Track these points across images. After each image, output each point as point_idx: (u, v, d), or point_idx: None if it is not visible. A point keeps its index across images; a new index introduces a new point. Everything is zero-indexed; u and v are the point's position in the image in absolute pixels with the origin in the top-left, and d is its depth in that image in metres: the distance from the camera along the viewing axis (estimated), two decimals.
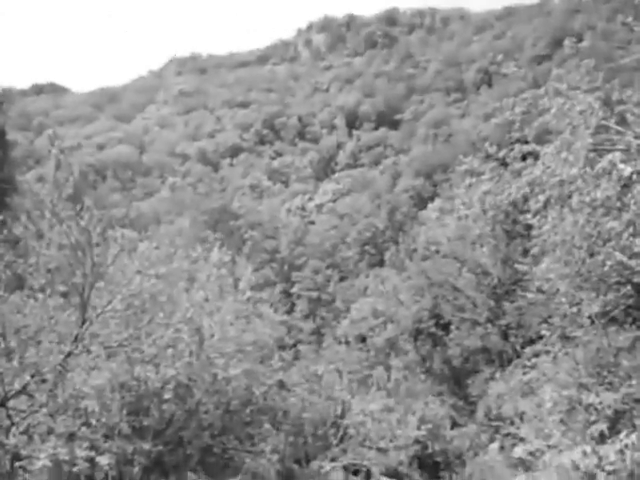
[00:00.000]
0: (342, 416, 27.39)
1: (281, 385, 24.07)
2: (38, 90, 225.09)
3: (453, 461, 27.95)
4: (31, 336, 19.02)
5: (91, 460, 17.70)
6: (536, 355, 23.58)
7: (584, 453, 16.65)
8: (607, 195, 18.10)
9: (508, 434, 22.53)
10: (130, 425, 18.89)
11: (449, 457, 28.27)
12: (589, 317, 20.33)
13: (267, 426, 22.23)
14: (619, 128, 18.58)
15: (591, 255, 19.37)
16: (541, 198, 19.94)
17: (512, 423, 21.95)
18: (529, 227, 24.49)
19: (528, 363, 23.71)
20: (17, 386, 18.39)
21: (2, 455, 17.49)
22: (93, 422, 18.77)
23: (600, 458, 16.31)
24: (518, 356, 29.71)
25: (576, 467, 16.57)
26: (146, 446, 18.36)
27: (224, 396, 20.59)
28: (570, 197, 19.01)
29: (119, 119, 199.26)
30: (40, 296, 19.52)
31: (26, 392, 18.70)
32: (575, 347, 20.54)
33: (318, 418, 25.70)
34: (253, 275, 25.94)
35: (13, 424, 18.18)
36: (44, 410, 18.42)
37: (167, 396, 19.10)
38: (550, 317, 22.95)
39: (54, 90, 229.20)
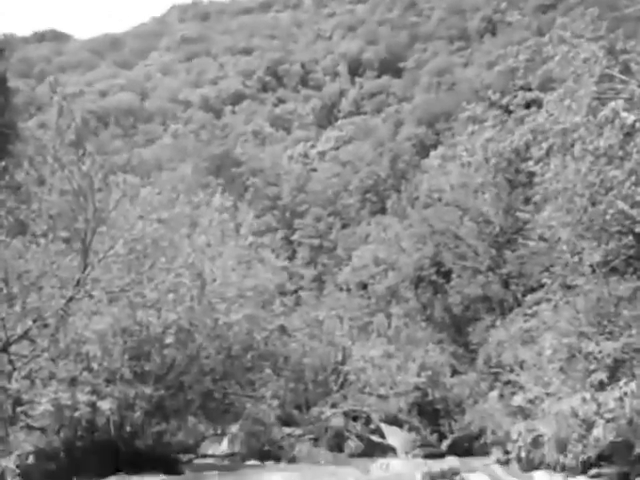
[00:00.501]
0: (343, 362, 27.52)
1: (282, 330, 24.15)
2: (39, 37, 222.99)
3: (453, 409, 28.11)
4: (33, 281, 19.06)
5: (93, 404, 17.83)
6: (537, 303, 23.61)
7: (583, 400, 16.74)
8: (610, 144, 18.03)
9: (508, 382, 22.62)
10: (132, 370, 18.97)
11: (449, 405, 28.43)
12: (590, 266, 20.31)
13: (268, 371, 22.33)
14: (623, 77, 18.47)
15: (593, 204, 19.32)
16: (544, 146, 19.88)
17: (512, 371, 22.02)
18: (531, 175, 24.38)
19: (529, 311, 23.75)
20: (19, 331, 18.47)
21: (4, 400, 17.57)
22: (95, 367, 18.87)
23: (599, 405, 16.40)
24: (519, 304, 29.74)
25: (575, 414, 16.67)
26: (147, 391, 18.44)
27: (225, 341, 20.65)
28: (573, 145, 18.93)
29: (121, 66, 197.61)
30: (42, 241, 19.55)
31: (28, 337, 18.77)
32: (576, 296, 20.54)
33: (319, 364, 25.82)
34: (255, 221, 25.97)
35: (15, 369, 18.27)
36: (46, 355, 18.51)
37: (168, 341, 19.16)
38: (551, 266, 22.95)
39: (55, 37, 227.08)
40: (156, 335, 19.17)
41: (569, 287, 21.20)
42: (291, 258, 38.99)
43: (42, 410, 17.57)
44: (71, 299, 19.08)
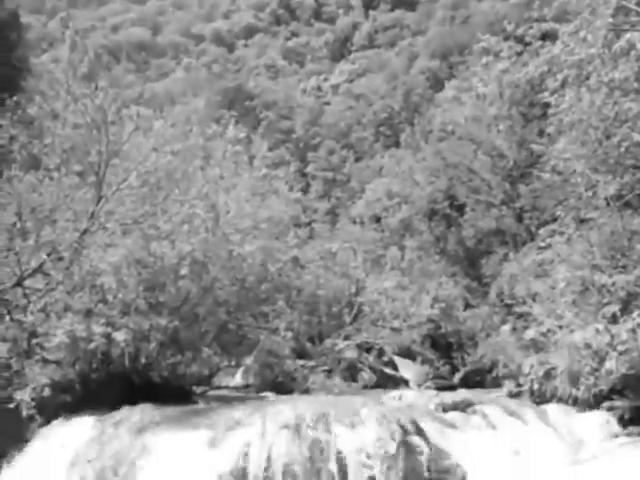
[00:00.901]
0: (356, 294, 27.58)
1: (296, 261, 24.17)
2: None
3: (465, 342, 28.22)
4: (47, 215, 19.14)
5: (108, 336, 17.93)
6: (550, 236, 23.54)
7: (597, 331, 16.75)
8: (625, 76, 17.88)
9: (520, 316, 22.64)
10: (146, 301, 19.05)
11: (461, 338, 28.55)
12: (605, 199, 20.24)
13: (281, 303, 22.39)
14: (639, 9, 18.22)
15: (607, 137, 19.19)
16: (559, 77, 19.73)
17: (524, 303, 22.04)
18: (546, 107, 24.21)
19: (542, 244, 23.67)
20: (33, 265, 18.58)
21: (19, 334, 17.73)
22: (109, 299, 18.96)
23: (612, 337, 16.42)
24: (532, 239, 29.68)
25: (588, 346, 16.69)
26: (162, 322, 18.53)
27: (239, 272, 20.69)
28: (588, 77, 18.77)
29: (133, 0, 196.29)
30: (55, 175, 19.58)
31: (42, 271, 18.89)
32: (589, 230, 20.48)
33: (332, 296, 25.86)
34: (268, 154, 25.90)
35: (30, 303, 18.38)
36: (60, 288, 18.60)
37: (183, 272, 19.20)
38: (565, 200, 22.85)
39: None
40: (170, 266, 19.22)
41: (583, 221, 21.13)
42: (305, 191, 38.87)
43: (57, 342, 17.71)
44: (85, 232, 19.16)
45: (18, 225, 19.21)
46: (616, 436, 15.69)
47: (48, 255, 18.92)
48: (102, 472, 14.74)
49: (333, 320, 25.91)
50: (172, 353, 19.15)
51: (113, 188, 19.58)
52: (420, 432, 14.14)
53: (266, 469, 13.15)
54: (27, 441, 16.71)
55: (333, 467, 13.14)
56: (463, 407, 16.31)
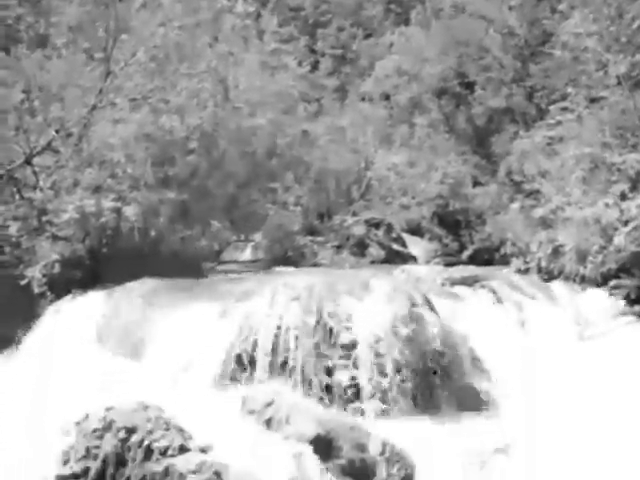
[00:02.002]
0: (366, 169, 27.52)
1: (305, 136, 24.05)
2: None
3: (474, 220, 28.20)
4: (55, 92, 18.97)
5: (117, 211, 18.00)
6: (560, 113, 23.28)
7: (606, 205, 16.73)
8: None
9: (529, 194, 22.60)
10: (155, 176, 19.07)
11: (470, 216, 28.51)
12: (616, 77, 20.03)
13: (291, 178, 22.37)
14: None
15: (620, 14, 18.92)
16: None
17: (533, 181, 21.99)
18: None
19: (552, 121, 23.46)
20: (42, 142, 18.48)
21: (29, 211, 17.75)
22: (119, 174, 18.95)
23: (622, 212, 16.41)
24: (542, 118, 29.39)
25: (597, 221, 16.70)
26: (171, 196, 18.59)
27: (248, 146, 20.64)
28: None
29: None
30: (63, 52, 19.39)
31: (51, 148, 18.81)
32: (600, 109, 20.31)
33: (342, 171, 25.80)
34: (278, 29, 25.59)
35: (39, 180, 18.37)
36: (70, 164, 18.56)
37: (192, 146, 19.19)
38: (576, 79, 22.63)
39: None
40: (179, 140, 19.19)
41: (593, 100, 20.95)
42: (314, 68, 38.30)
43: (67, 218, 17.78)
44: (94, 108, 19.05)
45: (26, 104, 19.09)
46: (622, 314, 15.81)
47: (57, 132, 18.83)
48: (113, 345, 14.94)
49: (342, 196, 25.92)
50: (182, 227, 19.24)
51: (121, 64, 19.36)
52: (428, 304, 14.27)
53: (276, 337, 13.32)
54: (38, 317, 16.91)
55: (344, 338, 13.31)
56: (471, 282, 16.43)
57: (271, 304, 13.78)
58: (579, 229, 17.19)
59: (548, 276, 18.10)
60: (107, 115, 19.57)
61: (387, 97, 38.37)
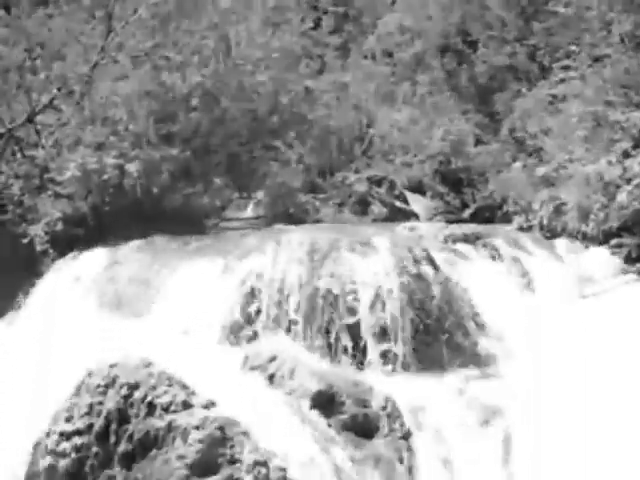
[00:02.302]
0: (368, 126, 27.43)
1: (308, 92, 23.97)
2: None
3: (476, 178, 28.13)
4: (57, 50, 18.94)
5: (120, 168, 17.99)
6: (564, 71, 23.18)
7: (609, 163, 16.72)
8: None
9: (531, 154, 22.58)
10: (158, 133, 19.04)
11: (472, 174, 28.44)
12: (619, 36, 19.98)
13: (293, 135, 22.31)
14: None
15: None
16: None
17: (536, 138, 21.99)
18: None
19: (555, 78, 23.39)
20: (44, 100, 18.46)
21: (31, 169, 17.76)
22: (121, 131, 18.94)
23: (625, 169, 16.41)
24: (545, 77, 29.28)
25: (600, 177, 16.70)
26: (174, 152, 18.58)
27: (251, 104, 20.60)
28: None
29: None
30: (65, 8, 19.35)
31: (53, 106, 18.79)
32: (603, 67, 20.24)
33: (344, 127, 25.70)
34: None
35: (41, 139, 18.38)
36: (72, 122, 18.55)
37: (194, 103, 19.17)
38: (580, 38, 22.53)
39: None
40: (181, 97, 19.18)
41: (597, 59, 20.87)
42: (316, 26, 38.01)
43: (69, 176, 17.79)
44: (95, 65, 19.00)
45: (28, 62, 19.05)
46: (623, 272, 15.87)
47: (59, 90, 18.82)
48: (116, 301, 15.00)
49: (344, 154, 25.80)
50: (184, 185, 19.24)
51: (123, 22, 19.31)
52: (431, 261, 14.30)
53: (279, 293, 13.39)
54: (41, 275, 16.97)
55: (346, 295, 13.36)
56: (473, 239, 16.44)
57: (274, 261, 13.84)
58: (581, 187, 17.18)
59: (550, 234, 18.12)
60: (109, 72, 19.54)
61: (390, 54, 38.15)
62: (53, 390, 10.89)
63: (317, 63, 29.76)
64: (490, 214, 24.71)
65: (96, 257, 16.50)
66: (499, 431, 11.24)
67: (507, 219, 20.93)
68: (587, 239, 17.22)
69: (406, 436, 11.00)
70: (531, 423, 11.07)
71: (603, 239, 16.92)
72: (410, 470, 10.62)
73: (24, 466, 10.37)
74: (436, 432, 11.21)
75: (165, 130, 19.10)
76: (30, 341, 14.11)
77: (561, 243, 17.50)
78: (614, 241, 16.59)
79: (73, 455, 10.06)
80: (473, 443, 11.16)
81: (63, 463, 10.07)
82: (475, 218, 24.63)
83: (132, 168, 18.02)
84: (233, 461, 9.45)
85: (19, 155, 18.68)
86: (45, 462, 10.15)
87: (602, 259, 16.54)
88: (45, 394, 11.01)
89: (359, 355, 13.05)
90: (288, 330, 13.19)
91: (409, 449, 10.85)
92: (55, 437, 10.20)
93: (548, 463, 10.55)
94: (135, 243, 16.71)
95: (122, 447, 9.96)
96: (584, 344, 12.97)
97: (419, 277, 13.72)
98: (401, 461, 10.66)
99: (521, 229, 19.14)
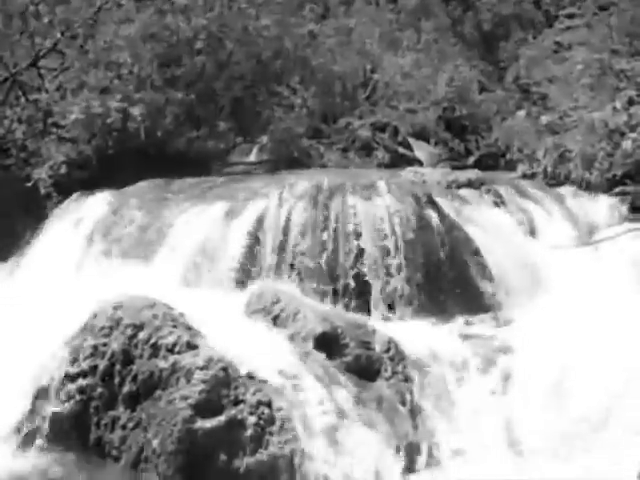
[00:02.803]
0: (372, 71, 27.29)
1: (312, 36, 23.86)
2: None
3: (480, 125, 28.02)
4: None
5: (124, 111, 17.95)
6: (569, 18, 23.04)
7: (614, 109, 16.69)
8: None
9: (535, 101, 22.54)
10: (162, 77, 19.01)
11: (476, 121, 28.34)
12: None
13: (296, 79, 22.23)
14: None
15: None
16: None
17: (540, 85, 21.94)
18: None
19: (561, 26, 23.26)
20: (48, 44, 18.39)
21: (35, 113, 17.74)
22: (125, 74, 18.89)
23: (630, 116, 16.38)
24: (550, 25, 29.11)
25: (605, 125, 16.67)
26: (178, 96, 18.56)
27: (255, 47, 20.50)
28: None
29: None
30: None
31: (57, 50, 18.72)
32: (609, 16, 20.14)
33: (348, 73, 25.55)
34: None
35: (45, 82, 18.34)
36: (76, 65, 18.50)
37: (198, 46, 19.10)
38: None
39: None
40: (186, 40, 19.11)
41: (602, 7, 20.75)
42: None
43: (73, 119, 17.77)
44: (99, 9, 18.92)
45: (31, 7, 18.95)
46: (627, 220, 15.92)
47: (62, 34, 18.73)
48: (120, 244, 15.04)
49: (348, 99, 25.66)
50: (188, 129, 19.24)
51: None
52: (434, 205, 14.33)
53: (284, 236, 13.44)
54: (46, 218, 17.01)
55: (350, 239, 13.41)
56: (477, 185, 16.46)
57: (279, 203, 13.87)
58: (586, 134, 17.17)
59: (554, 182, 18.15)
60: (113, 16, 19.43)
61: (394, 0, 37.85)
62: (57, 333, 10.91)
63: (321, 8, 29.58)
64: (494, 162, 24.68)
65: (100, 200, 16.47)
66: (501, 374, 11.29)
67: (511, 167, 20.94)
68: (591, 187, 17.29)
69: (408, 379, 11.04)
70: (533, 365, 11.13)
71: (607, 187, 16.97)
72: (412, 412, 10.67)
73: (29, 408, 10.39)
74: (439, 375, 11.25)
75: (169, 74, 19.06)
76: (34, 285, 14.15)
77: (565, 191, 17.53)
78: (617, 189, 16.62)
79: (77, 397, 10.11)
80: (475, 386, 11.22)
81: (68, 405, 10.12)
82: (479, 165, 24.51)
83: (136, 111, 17.98)
84: (237, 402, 9.48)
85: (23, 99, 18.63)
86: (50, 405, 10.21)
87: (605, 207, 16.61)
88: (49, 337, 11.02)
89: (363, 298, 13.11)
90: (292, 272, 13.24)
91: (411, 392, 10.88)
92: (60, 379, 10.26)
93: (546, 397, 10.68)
94: (139, 186, 16.68)
95: (126, 388, 9.99)
96: (586, 289, 13.06)
97: (423, 220, 13.74)
98: (403, 403, 10.70)
99: (525, 177, 19.16)
